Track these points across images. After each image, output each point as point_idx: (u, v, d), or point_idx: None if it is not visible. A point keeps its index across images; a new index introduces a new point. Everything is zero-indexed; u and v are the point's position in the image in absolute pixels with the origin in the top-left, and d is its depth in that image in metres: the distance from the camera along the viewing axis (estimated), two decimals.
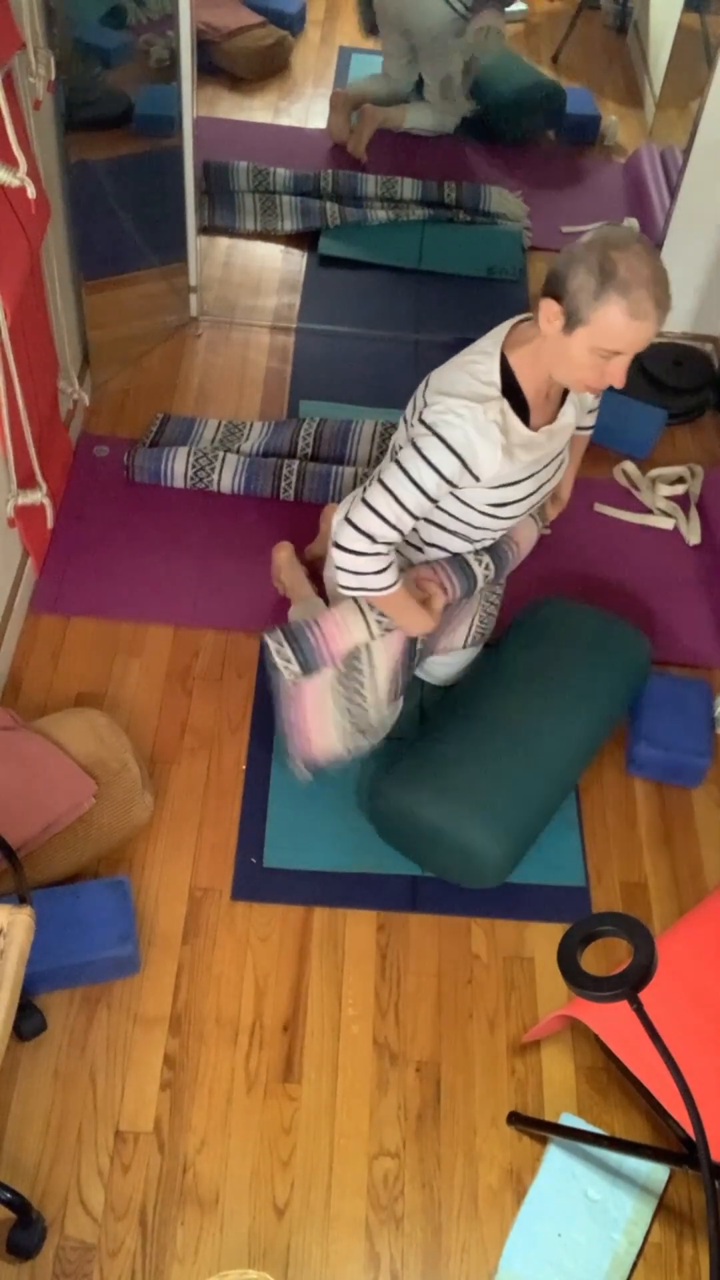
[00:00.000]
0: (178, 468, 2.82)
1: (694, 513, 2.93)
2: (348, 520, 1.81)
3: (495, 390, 1.78)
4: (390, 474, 1.79)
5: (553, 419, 1.90)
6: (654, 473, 3.04)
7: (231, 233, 3.74)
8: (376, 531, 1.80)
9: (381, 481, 1.80)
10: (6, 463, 2.34)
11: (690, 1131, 1.60)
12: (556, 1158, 1.83)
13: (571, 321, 1.65)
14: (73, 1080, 1.87)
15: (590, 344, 1.66)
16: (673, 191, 3.17)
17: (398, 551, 2.09)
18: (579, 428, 2.18)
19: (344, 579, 1.86)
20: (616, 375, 1.69)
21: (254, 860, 2.18)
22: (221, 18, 4.50)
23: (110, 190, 3.02)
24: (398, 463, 1.79)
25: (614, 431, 3.08)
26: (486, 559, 2.11)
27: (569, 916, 2.14)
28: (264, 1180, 1.80)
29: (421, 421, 1.78)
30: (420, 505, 1.81)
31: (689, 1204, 1.82)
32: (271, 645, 1.97)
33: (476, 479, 1.81)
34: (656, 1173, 1.82)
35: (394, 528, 1.81)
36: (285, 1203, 1.79)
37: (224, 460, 2.82)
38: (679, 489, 3.01)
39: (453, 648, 2.32)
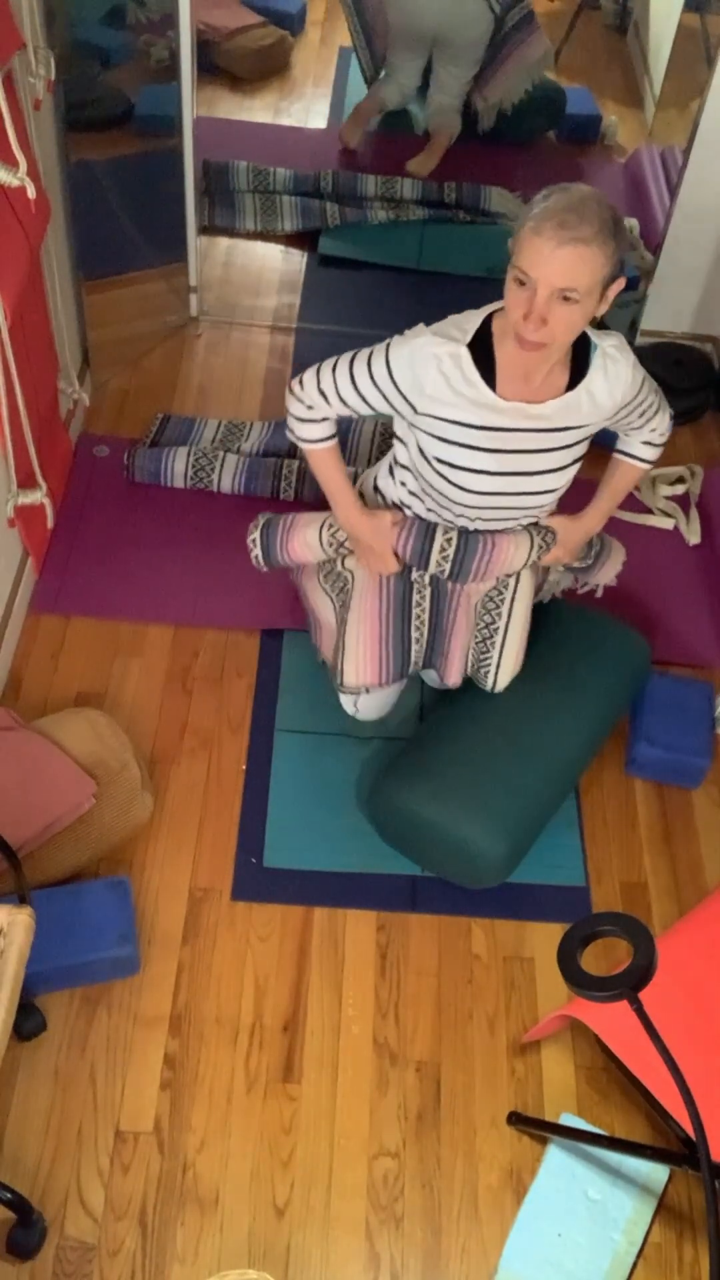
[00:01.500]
0: (178, 468, 2.82)
1: (694, 513, 2.93)
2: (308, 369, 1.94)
3: (462, 338, 1.79)
4: (347, 355, 1.89)
5: (534, 400, 1.82)
6: (654, 473, 3.04)
7: (231, 233, 3.74)
8: (307, 381, 1.93)
9: (343, 356, 1.90)
10: (6, 463, 2.34)
11: (690, 1131, 1.60)
12: (556, 1158, 1.83)
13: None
14: (73, 1080, 1.87)
15: (512, 274, 1.68)
16: (673, 191, 3.17)
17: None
18: (623, 452, 2.05)
19: (288, 420, 2.00)
20: (537, 311, 1.64)
21: (254, 860, 2.18)
22: (221, 18, 4.50)
23: (110, 190, 3.02)
24: (360, 352, 1.88)
25: (614, 431, 3.08)
26: (451, 545, 2.01)
27: (569, 916, 2.14)
28: (264, 1180, 1.80)
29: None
30: (349, 394, 1.89)
31: (689, 1204, 1.82)
32: (250, 526, 2.19)
33: (413, 407, 1.83)
34: (656, 1173, 1.82)
35: (321, 392, 1.91)
36: (285, 1203, 1.79)
37: (224, 460, 2.82)
38: (679, 489, 3.01)
39: (447, 679, 2.21)
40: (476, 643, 2.16)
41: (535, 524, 2.08)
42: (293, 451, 2.91)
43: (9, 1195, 1.65)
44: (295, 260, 3.68)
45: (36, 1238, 1.70)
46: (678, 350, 3.31)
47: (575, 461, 1.96)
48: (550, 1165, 1.82)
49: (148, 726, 2.37)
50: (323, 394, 1.92)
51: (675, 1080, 1.28)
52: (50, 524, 2.63)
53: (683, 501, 2.98)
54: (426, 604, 2.14)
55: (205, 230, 3.64)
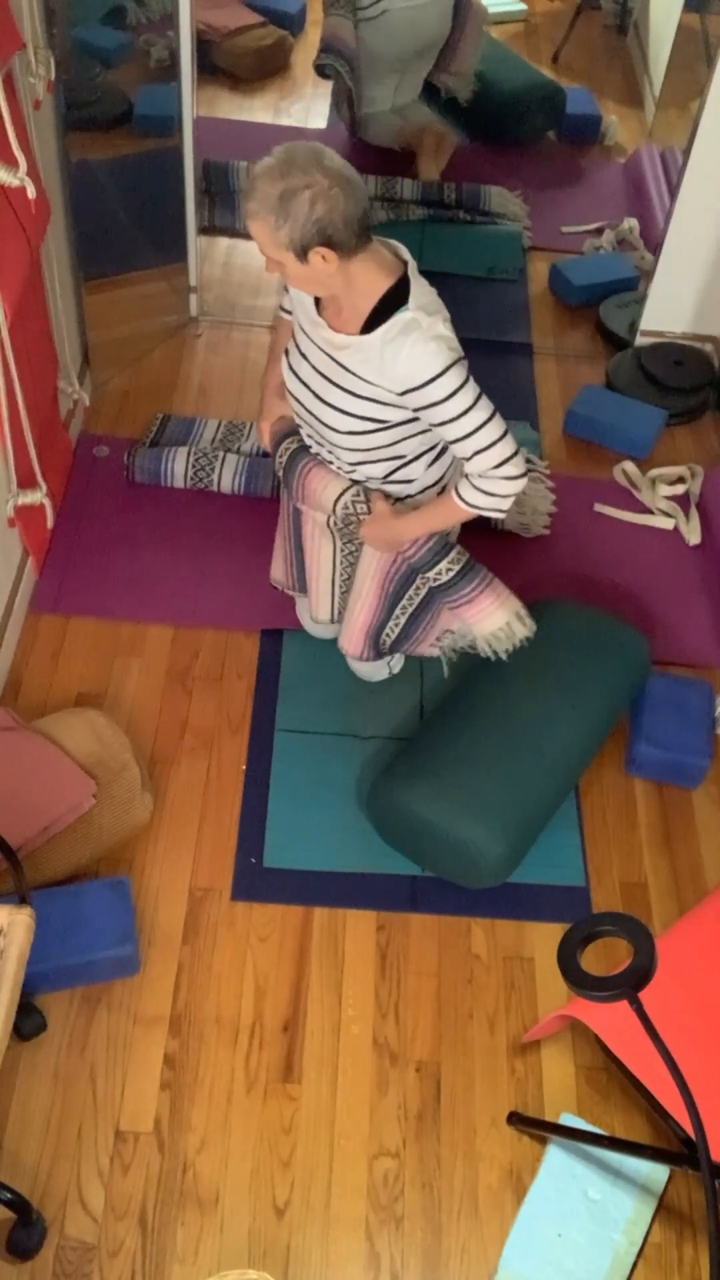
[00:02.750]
0: (178, 468, 2.82)
1: (694, 513, 2.93)
2: None
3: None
4: None
5: (334, 328, 1.85)
6: (654, 473, 3.04)
7: (231, 233, 3.74)
8: None
9: None
10: (6, 463, 2.34)
11: (690, 1131, 1.60)
12: (556, 1158, 1.83)
13: None
14: (73, 1080, 1.87)
15: None
16: (673, 191, 3.17)
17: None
18: (456, 486, 1.95)
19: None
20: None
21: (254, 860, 2.18)
22: (221, 18, 4.50)
23: (110, 190, 3.02)
24: None
25: (614, 431, 3.08)
26: (285, 455, 2.12)
27: (569, 916, 2.14)
28: (264, 1180, 1.80)
29: None
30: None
31: (689, 1204, 1.82)
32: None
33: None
34: (656, 1173, 1.82)
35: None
36: (285, 1203, 1.79)
37: (224, 460, 2.82)
38: (679, 489, 3.01)
39: (314, 612, 2.39)
40: (341, 593, 2.31)
41: (366, 488, 2.08)
42: None
43: (9, 1195, 1.65)
44: None
45: (36, 1238, 1.70)
46: (678, 350, 3.31)
47: (367, 422, 1.91)
48: (550, 1165, 1.82)
49: (148, 726, 2.37)
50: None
51: (675, 1080, 1.28)
52: (50, 524, 2.63)
53: (683, 501, 2.98)
54: (293, 521, 2.30)
55: (205, 230, 3.64)
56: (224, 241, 3.72)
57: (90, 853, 2.07)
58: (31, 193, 2.06)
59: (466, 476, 1.90)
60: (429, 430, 1.93)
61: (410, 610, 2.26)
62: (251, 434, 2.94)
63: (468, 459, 1.87)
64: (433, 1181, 1.82)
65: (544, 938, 2.11)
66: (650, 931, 1.36)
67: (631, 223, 3.89)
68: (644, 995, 1.32)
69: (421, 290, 1.82)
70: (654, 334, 3.40)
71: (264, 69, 4.53)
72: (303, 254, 1.69)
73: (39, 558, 2.59)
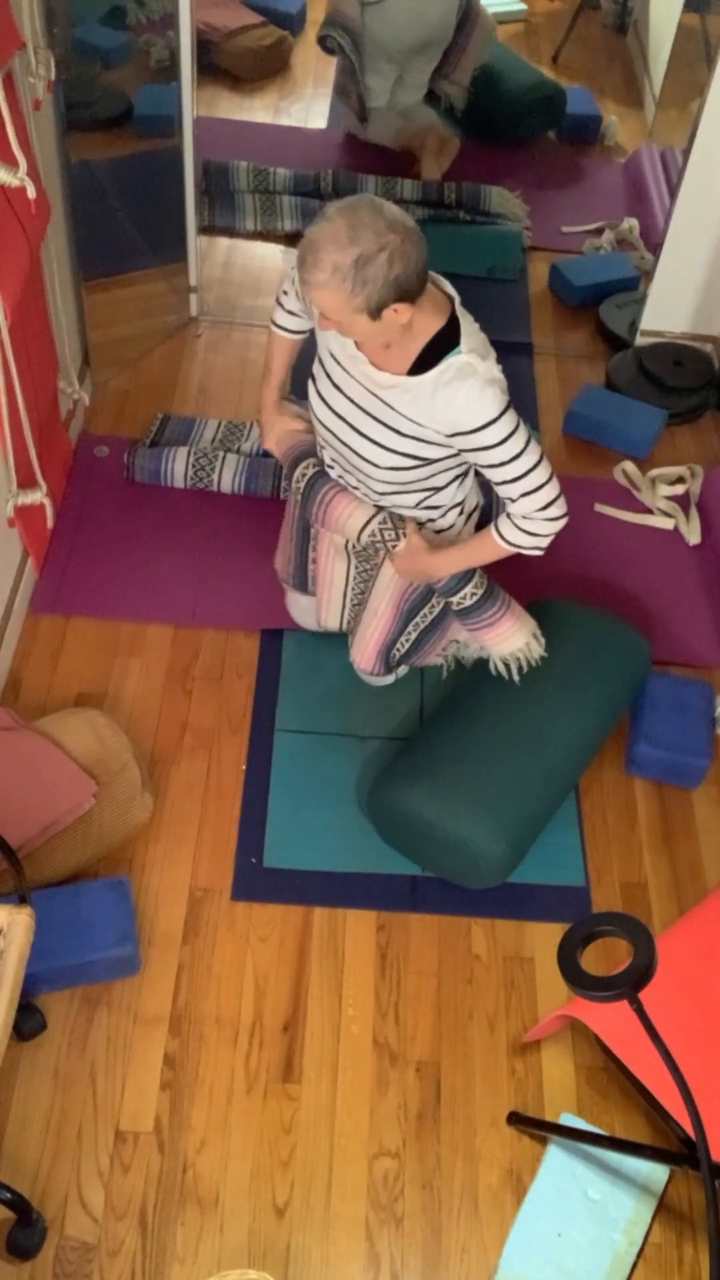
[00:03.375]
0: (178, 468, 2.82)
1: (694, 513, 2.93)
2: None
3: None
4: None
5: (377, 365, 1.82)
6: (654, 473, 3.04)
7: (231, 233, 3.74)
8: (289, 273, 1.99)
9: None
10: (6, 463, 2.34)
11: (690, 1131, 1.60)
12: (556, 1158, 1.83)
13: None
14: (73, 1080, 1.87)
15: None
16: (673, 191, 3.16)
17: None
18: (495, 524, 1.94)
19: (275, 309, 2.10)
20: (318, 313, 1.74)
21: (254, 860, 2.18)
22: (221, 18, 4.50)
23: (110, 190, 3.02)
24: None
25: (614, 431, 3.08)
26: (304, 479, 2.10)
27: (569, 916, 2.14)
28: (264, 1180, 1.80)
29: None
30: (290, 304, 2.02)
31: (689, 1204, 1.82)
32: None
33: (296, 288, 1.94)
34: (656, 1173, 1.82)
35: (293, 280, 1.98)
36: (285, 1203, 1.79)
37: (224, 460, 2.82)
38: (679, 489, 3.01)
39: (323, 620, 2.39)
40: (354, 605, 2.30)
41: (393, 514, 2.06)
42: None
43: (9, 1195, 1.65)
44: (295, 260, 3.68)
45: (36, 1238, 1.70)
46: (678, 350, 3.31)
47: (408, 459, 1.90)
48: (550, 1165, 1.82)
49: (148, 726, 2.37)
50: (292, 279, 1.98)
51: (675, 1080, 1.28)
52: (50, 524, 2.63)
53: (683, 501, 2.98)
54: (299, 530, 2.29)
55: (205, 230, 3.64)
56: (224, 241, 3.72)
57: (90, 853, 2.07)
58: (31, 193, 2.06)
59: (509, 516, 1.89)
60: (462, 460, 1.93)
61: (423, 627, 2.26)
62: (251, 434, 2.94)
63: (513, 500, 1.86)
64: (433, 1181, 1.82)
65: (544, 938, 2.11)
66: (650, 931, 1.36)
67: (631, 223, 3.89)
68: (644, 995, 1.32)
69: (471, 330, 1.81)
70: (654, 334, 3.40)
71: (264, 69, 4.53)
72: (377, 314, 1.65)
73: (39, 558, 2.59)
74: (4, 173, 2.00)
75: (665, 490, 2.99)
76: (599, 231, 3.92)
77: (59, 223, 2.65)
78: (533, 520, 1.87)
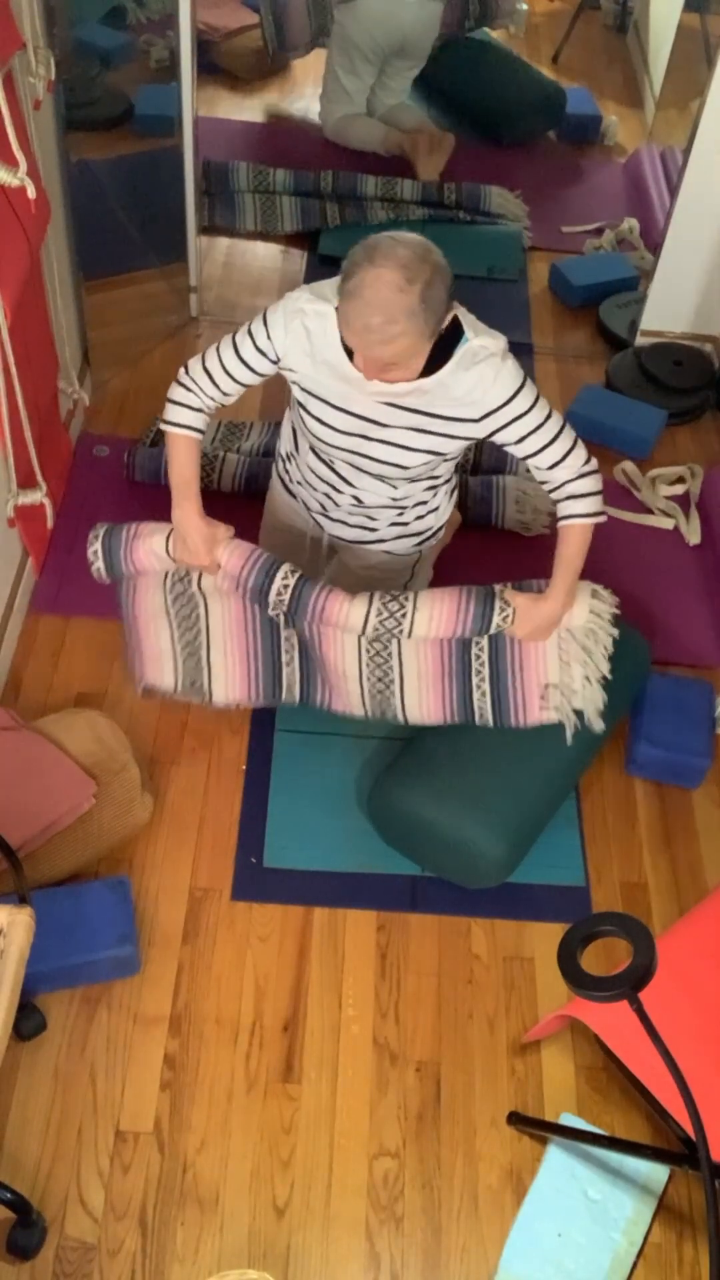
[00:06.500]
0: None
1: (694, 513, 2.93)
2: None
3: (334, 299, 1.75)
4: (225, 337, 1.93)
5: (386, 380, 1.77)
6: (654, 473, 3.04)
7: (231, 233, 3.74)
8: (192, 366, 1.95)
9: (222, 339, 1.94)
10: (6, 462, 2.34)
11: (690, 1131, 1.60)
12: (556, 1158, 1.83)
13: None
14: (73, 1080, 1.87)
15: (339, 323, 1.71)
16: (673, 191, 3.17)
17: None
18: (563, 516, 1.93)
19: (166, 405, 2.02)
20: (368, 371, 1.74)
21: (254, 860, 2.18)
22: (221, 18, 4.50)
23: (110, 190, 3.03)
24: (239, 328, 1.92)
25: (614, 431, 3.08)
26: (288, 590, 1.97)
27: (569, 916, 2.14)
28: (264, 1180, 1.80)
29: None
30: (232, 364, 1.91)
31: (689, 1204, 1.82)
32: (90, 536, 2.08)
33: (278, 360, 1.87)
34: (656, 1173, 1.82)
35: (205, 371, 1.93)
36: (285, 1203, 1.79)
37: (224, 460, 2.82)
38: (679, 489, 3.01)
39: (336, 707, 2.14)
40: (373, 682, 2.09)
41: (392, 594, 2.00)
42: None
43: (9, 1195, 1.65)
44: (295, 260, 3.68)
45: (36, 1238, 1.70)
46: (678, 350, 3.31)
47: (428, 454, 1.90)
48: (550, 1165, 1.82)
49: (148, 726, 2.37)
50: (207, 372, 1.94)
51: (675, 1080, 1.28)
52: (50, 524, 2.63)
53: (683, 501, 2.98)
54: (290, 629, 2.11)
55: (205, 230, 3.64)
56: (224, 241, 3.72)
57: (90, 853, 2.07)
58: (31, 193, 2.06)
59: (569, 496, 1.91)
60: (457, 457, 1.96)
61: (486, 674, 2.10)
62: (252, 433, 2.94)
63: (554, 467, 1.88)
64: (433, 1181, 1.82)
65: (544, 938, 2.11)
66: (650, 931, 1.35)
67: (631, 223, 3.89)
68: (644, 995, 1.32)
69: (471, 319, 1.83)
70: (654, 334, 3.40)
71: (264, 69, 4.53)
72: (439, 329, 1.69)
73: (39, 558, 2.59)
74: (4, 173, 2.00)
75: (665, 490, 2.99)
76: (599, 231, 3.92)
77: (59, 223, 2.65)
78: (584, 478, 1.90)
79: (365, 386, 1.80)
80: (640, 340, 3.40)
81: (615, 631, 2.10)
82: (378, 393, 1.81)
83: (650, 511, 2.95)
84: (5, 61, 2.00)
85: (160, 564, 2.07)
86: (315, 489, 2.08)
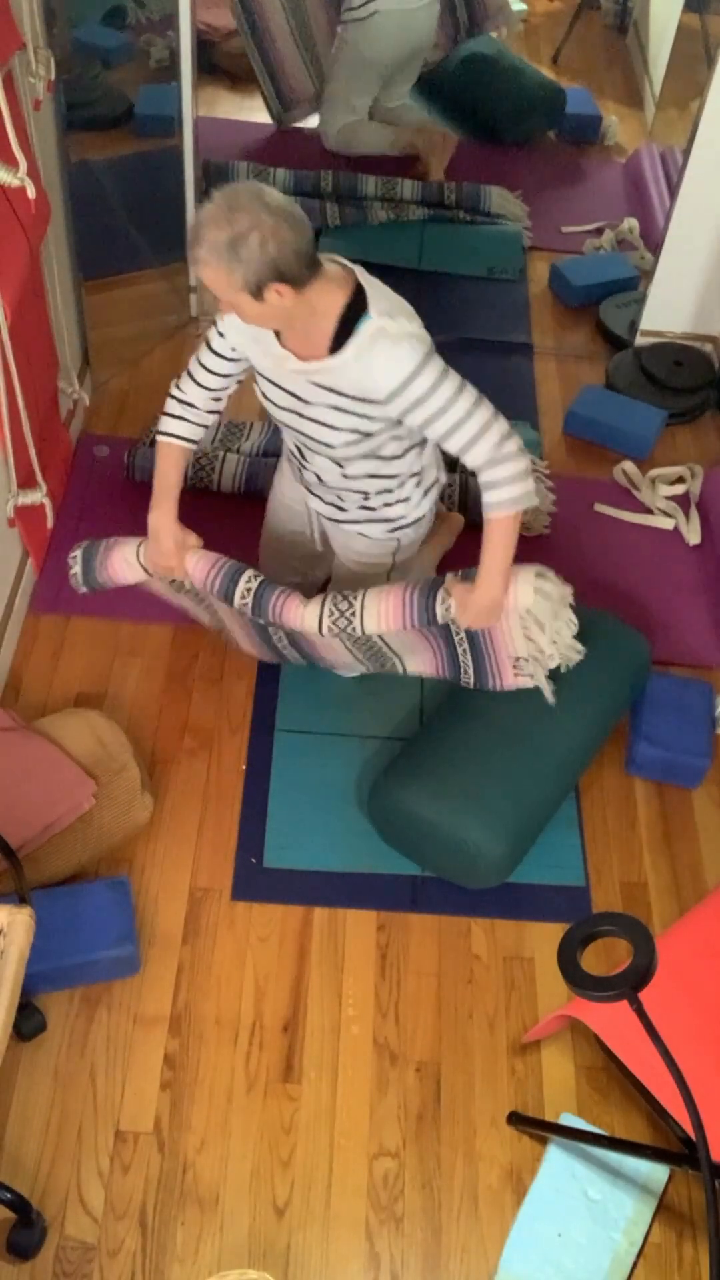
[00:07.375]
0: None
1: (694, 513, 2.93)
2: None
3: None
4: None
5: (311, 356, 1.85)
6: (654, 473, 3.04)
7: None
8: (182, 375, 2.05)
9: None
10: (6, 462, 2.34)
11: (690, 1131, 1.60)
12: (556, 1158, 1.83)
13: None
14: (73, 1080, 1.87)
15: None
16: (673, 191, 3.17)
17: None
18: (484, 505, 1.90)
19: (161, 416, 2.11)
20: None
21: (254, 860, 2.18)
22: (221, 18, 4.49)
23: (110, 190, 3.03)
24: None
25: (614, 431, 3.08)
26: (250, 594, 2.03)
27: (569, 916, 2.14)
28: (264, 1180, 1.80)
29: None
30: (207, 359, 1.99)
31: (689, 1204, 1.82)
32: (74, 549, 2.15)
33: (235, 349, 1.96)
34: (656, 1173, 1.82)
35: (189, 375, 2.03)
36: (285, 1203, 1.79)
37: (224, 460, 2.82)
38: (679, 489, 3.01)
39: (351, 670, 2.29)
40: (368, 655, 2.17)
41: (343, 593, 2.03)
42: None
43: (9, 1195, 1.65)
44: None
45: (36, 1238, 1.70)
46: (678, 350, 3.31)
47: (353, 433, 1.92)
48: (550, 1165, 1.82)
49: (148, 726, 2.37)
50: (190, 375, 2.03)
51: (675, 1080, 1.28)
52: (50, 524, 2.63)
53: (683, 501, 2.98)
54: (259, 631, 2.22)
55: None
56: None
57: (90, 853, 2.07)
58: (31, 193, 2.06)
59: (482, 484, 1.88)
60: (404, 428, 1.94)
61: (466, 643, 2.13)
62: (252, 433, 2.94)
63: (468, 450, 1.85)
64: (433, 1181, 1.82)
65: (544, 938, 2.11)
66: (650, 931, 1.36)
67: (631, 223, 3.89)
68: (644, 995, 1.32)
69: (378, 294, 1.83)
70: (654, 334, 3.40)
71: None
72: (258, 293, 1.70)
73: (39, 558, 2.59)
74: (4, 173, 2.00)
75: (665, 490, 2.99)
76: (599, 231, 3.92)
77: (59, 223, 2.65)
78: (500, 465, 1.86)
79: (286, 363, 1.87)
80: (640, 340, 3.40)
81: (570, 605, 2.07)
82: (295, 370, 1.87)
83: (650, 511, 2.95)
84: (5, 61, 2.00)
85: (132, 572, 2.13)
86: (293, 463, 2.18)
